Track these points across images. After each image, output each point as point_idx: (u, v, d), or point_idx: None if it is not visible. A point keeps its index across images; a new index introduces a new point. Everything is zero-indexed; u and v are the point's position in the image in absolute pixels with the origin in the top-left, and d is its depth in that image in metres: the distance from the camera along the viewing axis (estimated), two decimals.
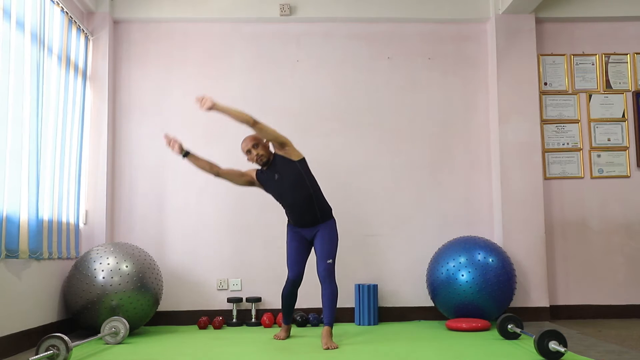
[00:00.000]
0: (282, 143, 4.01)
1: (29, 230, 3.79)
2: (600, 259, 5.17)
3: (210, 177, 5.07)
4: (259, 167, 4.12)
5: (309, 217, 4.03)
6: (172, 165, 5.11)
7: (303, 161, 4.06)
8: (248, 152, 4.05)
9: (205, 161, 4.13)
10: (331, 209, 4.14)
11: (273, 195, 4.13)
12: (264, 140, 4.04)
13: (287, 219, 4.19)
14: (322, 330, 3.94)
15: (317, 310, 4.88)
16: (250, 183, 4.19)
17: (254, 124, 3.89)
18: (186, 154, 4.09)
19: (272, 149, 4.10)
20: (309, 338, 4.17)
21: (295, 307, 4.72)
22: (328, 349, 3.73)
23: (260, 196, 5.05)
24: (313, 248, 4.11)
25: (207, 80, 5.20)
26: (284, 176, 4.00)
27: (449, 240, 4.91)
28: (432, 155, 5.24)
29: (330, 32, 5.31)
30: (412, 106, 5.27)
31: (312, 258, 4.18)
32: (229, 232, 5.08)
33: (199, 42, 5.25)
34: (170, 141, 4.09)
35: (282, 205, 4.13)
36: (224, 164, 5.12)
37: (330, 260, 3.95)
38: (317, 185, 4.09)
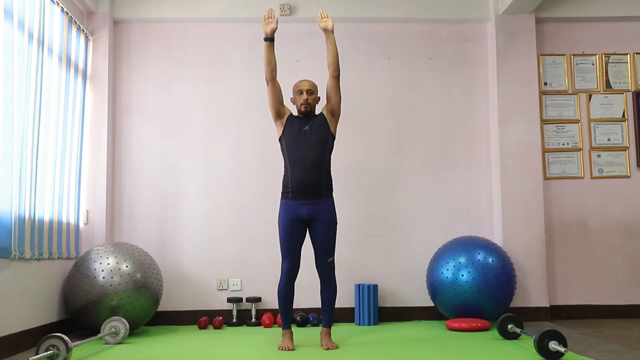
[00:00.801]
0: (336, 111, 3.95)
1: (29, 230, 3.79)
2: (600, 259, 5.17)
3: (209, 177, 5.11)
4: (297, 113, 3.96)
5: (313, 181, 3.81)
6: (172, 165, 5.11)
7: (334, 138, 3.97)
8: (300, 92, 3.90)
9: (274, 59, 3.92)
10: (333, 188, 3.98)
11: (286, 144, 3.88)
12: (318, 94, 3.98)
13: (282, 194, 3.91)
14: (320, 331, 3.91)
15: (317, 311, 4.87)
16: (280, 114, 3.94)
17: (337, 76, 3.89)
18: (272, 39, 3.87)
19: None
20: (309, 338, 4.17)
21: (295, 307, 4.72)
22: (329, 349, 3.72)
23: (260, 196, 5.07)
24: (309, 234, 3.89)
25: (207, 80, 5.21)
26: (313, 133, 3.86)
27: (449, 240, 4.91)
28: (432, 155, 5.24)
29: None
30: (412, 106, 5.27)
31: (305, 254, 4.02)
32: (229, 232, 5.07)
33: (198, 42, 5.25)
34: (271, 16, 3.88)
35: (287, 162, 3.89)
36: (226, 164, 5.16)
37: (331, 259, 3.86)
38: (330, 163, 3.98)
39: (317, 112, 4.00)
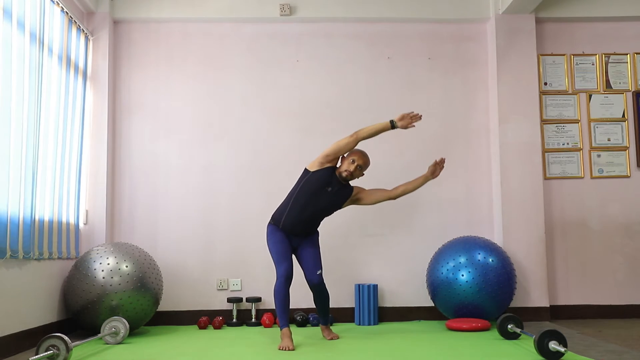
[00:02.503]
0: (360, 203, 4.15)
1: (29, 230, 3.79)
2: (600, 259, 5.17)
3: (210, 177, 5.11)
4: (339, 177, 4.00)
5: (304, 228, 4.05)
6: (172, 165, 5.11)
7: (339, 208, 4.12)
8: (353, 162, 3.97)
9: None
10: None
11: (305, 188, 3.96)
12: (364, 172, 4.08)
13: (271, 218, 4.10)
14: (321, 327, 4.21)
15: (316, 311, 4.87)
16: (329, 161, 3.99)
17: (393, 198, 4.14)
18: (394, 126, 3.94)
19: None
20: (309, 338, 4.17)
21: (295, 307, 4.75)
22: (332, 339, 4.05)
23: (260, 196, 5.07)
24: (295, 257, 4.12)
25: (207, 80, 5.21)
26: (332, 197, 4.00)
27: (449, 240, 4.91)
28: (432, 155, 5.19)
29: (330, 32, 5.31)
30: (412, 106, 5.25)
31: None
32: (229, 232, 5.07)
33: (199, 42, 5.25)
34: (414, 117, 3.93)
35: (293, 202, 3.97)
36: (226, 164, 5.15)
37: (320, 272, 4.05)
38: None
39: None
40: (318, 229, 4.16)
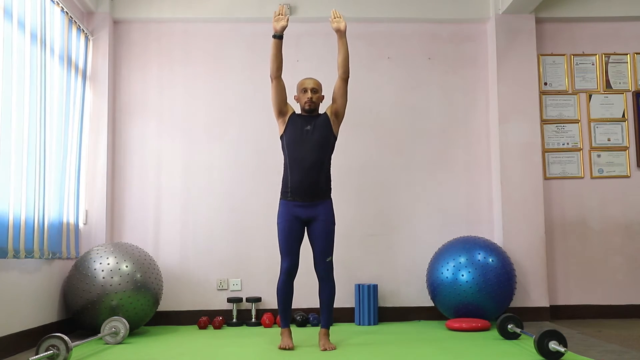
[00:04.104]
0: (340, 113, 3.95)
1: (30, 230, 3.79)
2: (600, 259, 5.17)
3: (210, 177, 5.11)
4: (300, 111, 3.96)
5: (312, 183, 3.81)
6: (172, 165, 5.11)
7: (336, 139, 3.97)
8: (304, 90, 3.89)
9: (281, 57, 3.91)
10: (331, 189, 4.00)
11: (287, 143, 3.87)
12: (322, 93, 3.98)
13: (281, 193, 3.92)
14: (319, 331, 3.89)
15: (317, 311, 4.87)
16: (282, 112, 3.92)
17: (346, 78, 3.92)
18: (281, 37, 3.86)
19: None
20: (309, 338, 4.17)
21: (295, 307, 4.72)
22: (326, 350, 3.69)
23: (260, 196, 5.07)
24: (307, 234, 3.90)
25: (207, 80, 5.21)
26: (315, 133, 3.85)
27: (449, 240, 4.91)
28: (432, 155, 5.24)
29: (330, 32, 5.27)
30: (412, 106, 5.27)
31: (304, 254, 4.03)
32: (229, 232, 5.07)
33: (199, 42, 5.24)
34: (281, 13, 3.89)
35: (287, 161, 3.89)
36: (225, 164, 5.16)
37: (330, 258, 3.85)
38: (330, 165, 3.98)
39: (321, 111, 4.00)
40: (331, 198, 3.93)
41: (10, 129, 3.62)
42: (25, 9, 3.85)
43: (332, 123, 3.94)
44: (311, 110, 3.92)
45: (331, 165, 4.01)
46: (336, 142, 4.00)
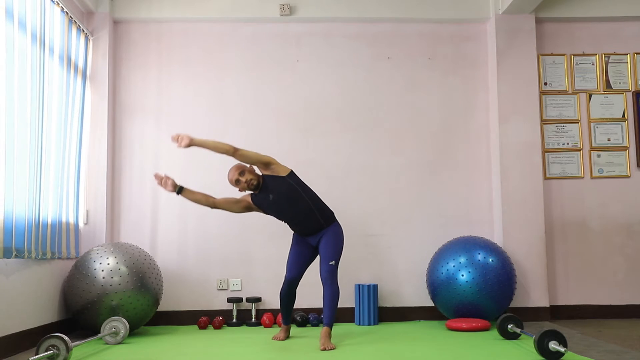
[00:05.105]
0: (267, 163, 4.00)
1: (30, 230, 3.79)
2: (600, 259, 5.17)
3: (210, 177, 5.10)
4: (254, 188, 4.03)
5: (313, 225, 4.04)
6: (173, 165, 5.11)
7: (292, 174, 4.04)
8: (237, 182, 4.00)
9: (200, 194, 4.09)
10: (333, 213, 4.14)
11: (273, 215, 4.11)
12: (249, 166, 4.03)
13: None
14: (321, 330, 3.92)
15: (317, 310, 4.88)
16: (248, 208, 4.15)
17: (234, 152, 3.90)
18: (180, 190, 4.05)
19: (258, 171, 4.07)
20: (309, 338, 4.17)
21: (295, 307, 4.73)
22: (325, 349, 3.71)
23: None
24: (318, 253, 4.10)
25: (207, 80, 5.21)
26: (278, 194, 3.98)
27: (449, 240, 4.91)
28: (432, 155, 5.24)
29: (330, 32, 5.31)
30: (412, 106, 5.27)
31: (315, 261, 4.19)
32: (229, 232, 5.07)
33: (199, 42, 5.25)
34: (161, 180, 4.02)
35: (284, 222, 4.13)
36: (225, 163, 5.15)
37: (333, 262, 3.96)
38: (313, 193, 4.08)
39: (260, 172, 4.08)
40: (336, 221, 4.10)
41: (11, 129, 3.62)
42: (25, 9, 3.85)
43: (273, 172, 4.01)
44: (256, 186, 4.02)
45: (318, 195, 4.10)
46: (295, 174, 4.06)
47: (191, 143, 3.82)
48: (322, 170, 5.07)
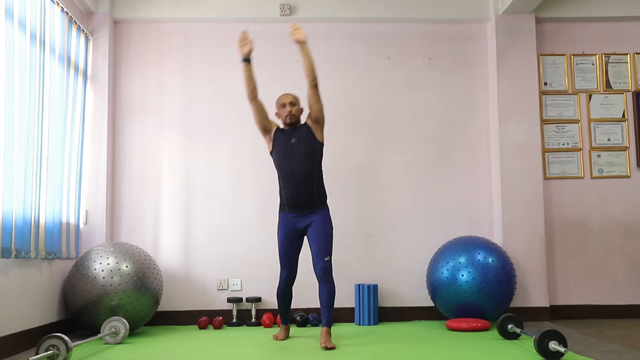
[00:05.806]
0: (320, 119, 4.00)
1: (30, 230, 3.79)
2: (600, 259, 5.17)
3: (210, 177, 5.11)
4: (283, 125, 4.05)
5: (305, 197, 3.94)
6: (172, 165, 5.12)
7: (322, 146, 4.04)
8: (283, 105, 4.01)
9: (254, 79, 4.03)
10: (327, 197, 4.07)
11: (277, 158, 4.01)
12: (301, 105, 4.06)
13: (279, 206, 4.08)
14: (320, 330, 3.90)
15: (317, 311, 4.88)
16: (267, 130, 4.06)
17: (315, 85, 3.93)
18: (248, 60, 4.00)
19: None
20: (309, 338, 4.17)
21: (295, 307, 4.74)
22: (327, 347, 3.70)
23: (260, 196, 5.07)
24: (307, 239, 4.01)
25: (208, 80, 5.21)
26: (300, 144, 3.95)
27: (449, 240, 4.91)
28: (432, 155, 5.24)
29: (331, 32, 5.31)
30: (412, 106, 5.27)
31: (305, 253, 4.09)
32: (229, 232, 5.07)
33: (199, 42, 5.25)
34: (246, 40, 3.97)
35: (280, 176, 4.01)
36: (226, 164, 5.16)
37: (328, 258, 3.91)
38: (322, 173, 4.05)
39: (303, 121, 4.08)
40: (327, 206, 4.03)
41: (11, 129, 3.62)
42: (25, 9, 3.85)
43: (315, 131, 4.01)
44: (293, 123, 4.03)
45: (323, 174, 4.07)
46: (324, 148, 4.06)
47: (303, 42, 3.91)
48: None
